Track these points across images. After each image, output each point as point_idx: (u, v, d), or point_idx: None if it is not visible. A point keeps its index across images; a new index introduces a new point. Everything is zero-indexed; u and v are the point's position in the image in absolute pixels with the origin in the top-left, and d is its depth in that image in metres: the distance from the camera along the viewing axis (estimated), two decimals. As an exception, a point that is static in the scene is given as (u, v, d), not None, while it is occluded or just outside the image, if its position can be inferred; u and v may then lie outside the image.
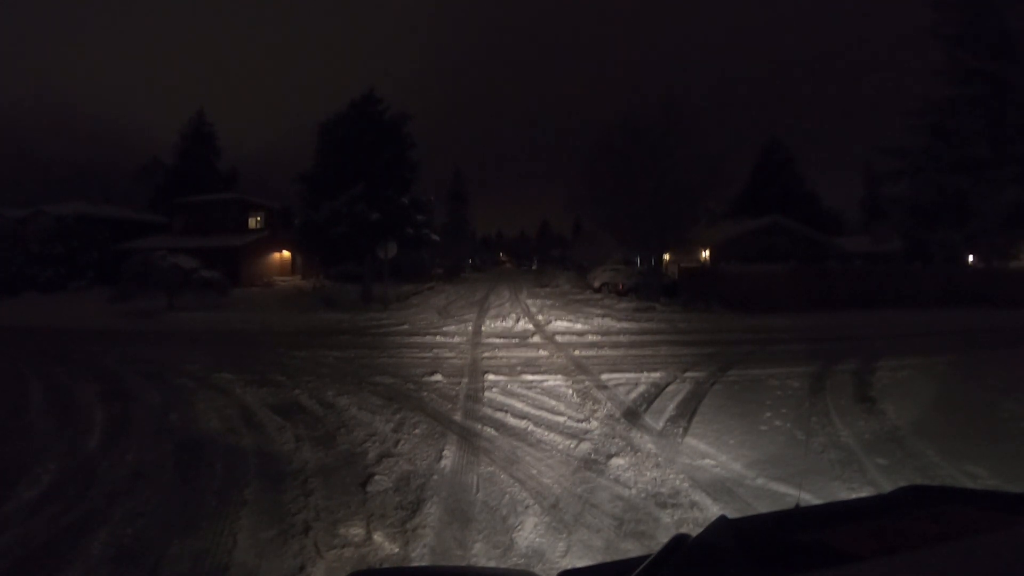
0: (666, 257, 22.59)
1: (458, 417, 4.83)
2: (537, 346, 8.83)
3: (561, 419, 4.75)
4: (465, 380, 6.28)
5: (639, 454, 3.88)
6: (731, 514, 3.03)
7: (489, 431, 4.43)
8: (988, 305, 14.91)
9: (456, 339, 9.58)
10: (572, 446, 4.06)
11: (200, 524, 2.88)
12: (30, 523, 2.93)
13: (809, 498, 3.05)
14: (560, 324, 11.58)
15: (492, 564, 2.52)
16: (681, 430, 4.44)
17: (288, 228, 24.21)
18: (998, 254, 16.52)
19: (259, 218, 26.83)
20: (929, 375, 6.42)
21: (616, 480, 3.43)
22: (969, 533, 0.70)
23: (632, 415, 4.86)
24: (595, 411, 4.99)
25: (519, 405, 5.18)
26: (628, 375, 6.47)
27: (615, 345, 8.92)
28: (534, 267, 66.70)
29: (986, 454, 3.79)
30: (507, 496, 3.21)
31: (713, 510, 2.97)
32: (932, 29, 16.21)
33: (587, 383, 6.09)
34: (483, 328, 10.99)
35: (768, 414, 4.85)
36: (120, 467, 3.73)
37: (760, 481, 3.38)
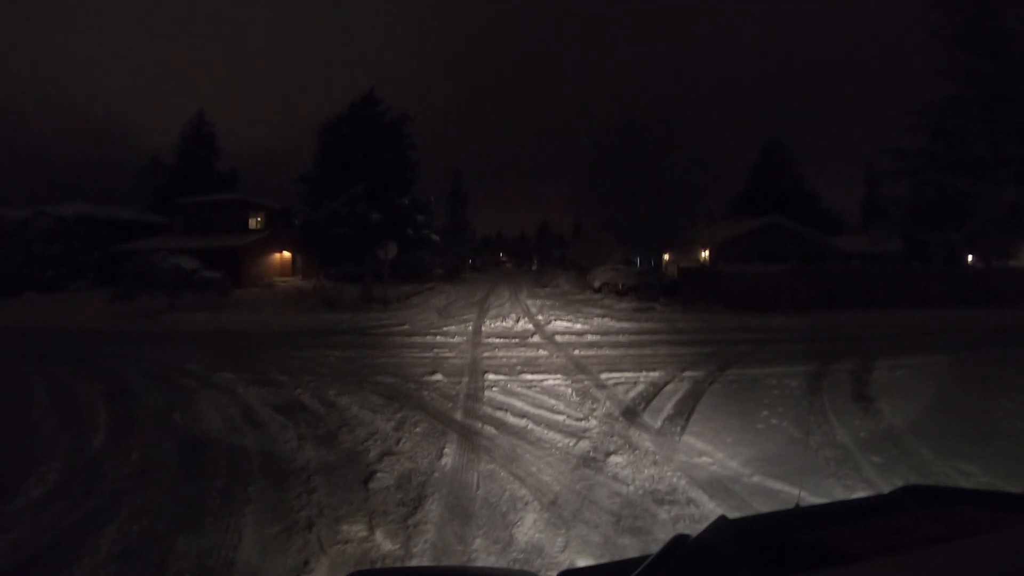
0: (666, 257, 22.65)
1: (459, 416, 4.87)
2: (537, 346, 8.87)
3: (560, 418, 4.79)
4: (465, 379, 6.32)
5: (637, 452, 3.93)
6: (727, 511, 3.07)
7: (489, 429, 4.47)
8: (987, 305, 14.94)
9: (456, 339, 9.62)
10: (571, 444, 4.11)
11: (205, 521, 2.93)
12: (38, 520, 2.97)
13: (808, 497, 3.08)
14: (560, 324, 11.62)
15: (492, 559, 2.56)
16: (679, 428, 4.49)
17: (288, 228, 24.26)
18: (997, 254, 16.57)
19: (259, 218, 26.88)
20: (926, 375, 6.45)
21: (614, 477, 3.48)
22: (969, 533, 0.70)
23: (630, 414, 4.91)
24: (594, 410, 5.03)
25: (519, 404, 5.23)
26: (627, 374, 6.51)
27: (614, 345, 8.96)
28: (534, 267, 66.74)
29: (981, 453, 3.83)
30: (507, 493, 3.26)
31: (710, 507, 3.02)
32: (932, 29, 16.24)
33: (586, 382, 6.13)
34: (483, 328, 11.03)
35: (765, 413, 4.89)
36: (125, 465, 3.77)
37: (756, 479, 3.42)
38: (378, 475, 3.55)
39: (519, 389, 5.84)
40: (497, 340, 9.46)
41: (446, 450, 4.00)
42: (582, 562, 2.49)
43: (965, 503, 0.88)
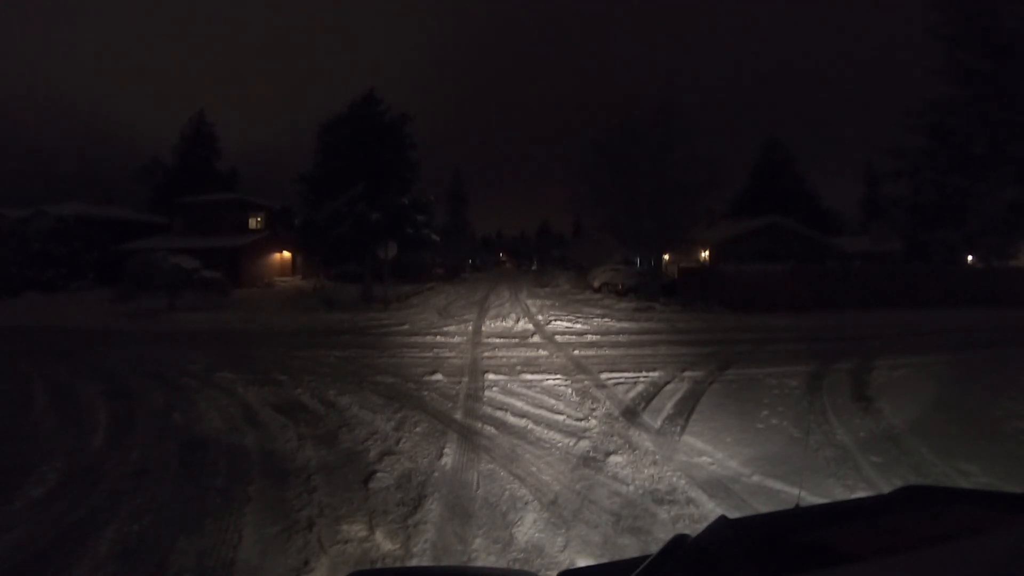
0: (666, 257, 22.65)
1: (459, 416, 4.87)
2: (537, 346, 8.87)
3: (560, 417, 4.79)
4: (465, 379, 6.32)
5: (637, 452, 3.93)
6: (727, 511, 3.07)
7: (489, 429, 4.48)
8: (987, 305, 14.94)
9: (456, 339, 9.62)
10: (571, 444, 4.11)
11: (205, 521, 2.93)
12: (38, 520, 2.98)
13: (808, 497, 3.08)
14: (560, 324, 11.63)
15: (492, 558, 2.56)
16: (679, 428, 4.49)
17: (288, 228, 24.25)
18: (997, 254, 16.55)
19: (259, 218, 26.89)
20: (926, 374, 6.46)
21: (614, 477, 3.48)
22: (969, 533, 0.70)
23: (630, 414, 4.91)
24: (594, 410, 5.03)
25: (519, 404, 5.23)
26: (627, 374, 6.51)
27: (614, 345, 8.97)
28: (534, 267, 66.80)
29: (980, 452, 3.83)
30: (507, 492, 3.26)
31: (709, 507, 3.02)
32: (932, 29, 16.23)
33: (586, 382, 6.13)
34: (483, 328, 11.04)
35: (765, 412, 4.89)
36: (125, 465, 3.77)
37: (756, 478, 3.42)
38: (378, 475, 3.55)
39: (519, 389, 5.84)
40: (497, 340, 9.46)
41: (446, 450, 4.00)
42: (582, 562, 2.50)
43: (965, 503, 0.87)
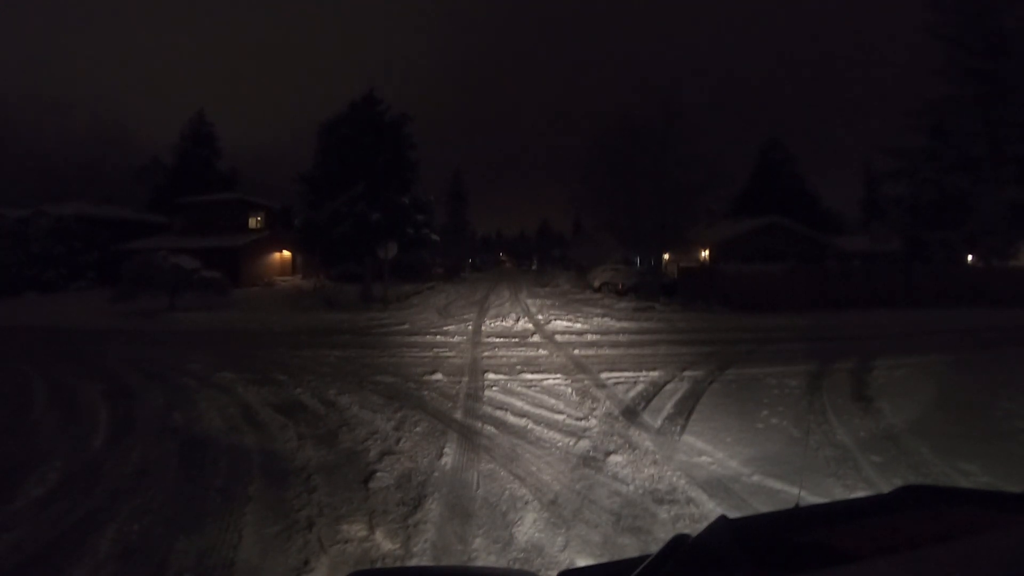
0: (665, 257, 22.64)
1: (458, 415, 4.87)
2: (537, 345, 8.87)
3: (560, 417, 4.79)
4: (465, 379, 6.32)
5: (637, 451, 3.93)
6: (727, 511, 3.07)
7: (489, 429, 4.48)
8: (987, 305, 14.94)
9: (456, 339, 9.62)
10: (571, 444, 4.11)
11: (205, 521, 2.93)
12: (39, 520, 2.98)
13: (808, 497, 3.08)
14: (560, 324, 11.63)
15: (492, 558, 2.56)
16: (679, 428, 4.49)
17: (288, 228, 24.27)
18: (997, 254, 16.56)
19: (259, 218, 26.88)
20: (926, 374, 6.46)
21: (614, 477, 3.48)
22: (969, 533, 0.70)
23: (630, 413, 4.91)
24: (594, 409, 5.04)
25: (519, 403, 5.23)
26: (627, 374, 6.51)
27: (614, 344, 8.97)
28: (534, 267, 66.76)
29: (980, 452, 3.84)
30: (507, 492, 3.26)
31: (709, 506, 3.02)
32: (932, 29, 16.24)
33: (586, 382, 6.13)
34: (483, 328, 11.03)
35: (765, 412, 4.89)
36: (125, 465, 3.77)
37: (756, 478, 3.42)
38: (378, 474, 3.55)
39: (519, 388, 5.84)
40: (497, 339, 9.46)
41: (446, 449, 4.00)
42: (582, 562, 2.50)
43: (965, 503, 0.87)
